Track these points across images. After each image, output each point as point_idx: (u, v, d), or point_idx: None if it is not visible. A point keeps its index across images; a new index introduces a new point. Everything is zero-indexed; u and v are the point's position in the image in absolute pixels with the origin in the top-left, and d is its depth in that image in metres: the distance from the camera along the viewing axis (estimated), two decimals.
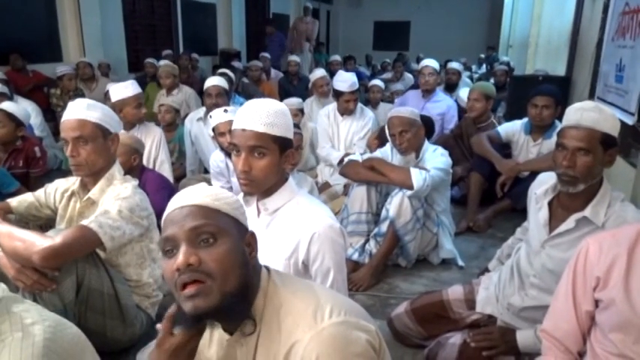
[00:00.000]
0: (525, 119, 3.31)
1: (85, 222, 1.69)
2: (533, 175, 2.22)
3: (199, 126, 3.67)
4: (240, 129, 1.38)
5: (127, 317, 1.82)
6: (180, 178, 3.72)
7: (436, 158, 2.58)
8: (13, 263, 1.58)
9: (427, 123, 2.71)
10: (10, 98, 3.93)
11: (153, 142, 3.21)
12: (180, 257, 0.90)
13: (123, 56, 7.94)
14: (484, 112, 3.67)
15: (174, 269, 0.90)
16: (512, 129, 3.38)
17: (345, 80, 3.64)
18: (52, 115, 5.35)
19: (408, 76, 7.76)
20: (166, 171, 3.22)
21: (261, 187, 1.43)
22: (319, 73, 4.76)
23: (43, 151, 3.43)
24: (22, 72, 5.86)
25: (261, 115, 1.36)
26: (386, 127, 2.77)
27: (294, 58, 7.04)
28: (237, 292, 0.93)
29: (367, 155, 2.80)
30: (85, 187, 1.89)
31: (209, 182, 3.22)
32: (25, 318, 1.08)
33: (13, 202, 1.93)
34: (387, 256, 2.59)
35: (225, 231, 0.95)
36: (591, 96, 3.60)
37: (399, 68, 8.17)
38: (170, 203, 0.99)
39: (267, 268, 1.06)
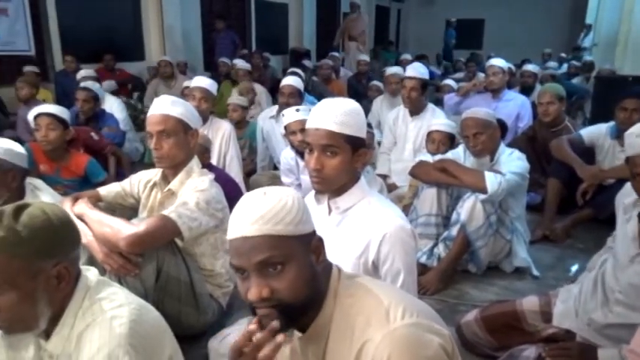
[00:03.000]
0: (611, 123, 3.09)
1: (165, 212, 1.78)
2: (620, 182, 2.07)
3: (271, 123, 3.76)
4: (313, 128, 1.40)
5: (200, 305, 1.91)
6: (251, 173, 3.84)
7: (512, 162, 2.47)
8: (102, 247, 1.70)
9: (500, 127, 2.61)
10: (96, 95, 4.17)
11: (223, 138, 3.32)
12: (253, 292, 0.93)
13: (199, 55, 8.30)
14: (558, 115, 3.46)
15: (247, 297, 0.94)
16: (596, 133, 3.16)
17: (412, 66, 3.62)
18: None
19: (481, 75, 7.48)
20: (235, 166, 3.32)
21: (333, 185, 1.44)
22: (392, 69, 4.72)
23: (99, 132, 3.60)
24: (110, 70, 6.30)
25: (334, 114, 1.37)
26: (459, 127, 2.69)
27: (363, 57, 7.02)
28: (305, 303, 0.96)
29: (438, 157, 2.73)
30: (165, 178, 2.00)
31: (279, 178, 3.29)
32: (113, 300, 1.15)
33: (102, 190, 2.07)
34: (456, 261, 2.52)
35: (290, 256, 0.94)
36: None
37: (471, 68, 7.92)
38: (231, 224, 0.96)
39: (338, 268, 1.07)
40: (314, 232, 1.02)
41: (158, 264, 1.76)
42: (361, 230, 1.44)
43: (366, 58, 6.74)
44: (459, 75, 8.11)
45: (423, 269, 2.53)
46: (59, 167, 2.91)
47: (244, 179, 3.46)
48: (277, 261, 0.93)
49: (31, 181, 2.03)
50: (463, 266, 2.60)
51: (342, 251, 1.44)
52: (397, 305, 0.96)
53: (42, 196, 2.01)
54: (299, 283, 0.94)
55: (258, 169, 3.94)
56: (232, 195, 2.21)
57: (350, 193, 1.46)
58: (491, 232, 2.44)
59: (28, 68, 5.38)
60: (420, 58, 8.51)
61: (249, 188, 3.34)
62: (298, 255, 0.95)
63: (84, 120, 3.84)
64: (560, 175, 3.14)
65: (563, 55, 10.37)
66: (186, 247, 1.91)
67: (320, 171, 1.40)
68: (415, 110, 3.61)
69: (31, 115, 2.90)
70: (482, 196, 2.36)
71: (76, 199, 1.91)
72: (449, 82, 5.07)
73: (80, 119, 3.83)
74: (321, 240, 1.02)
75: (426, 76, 3.58)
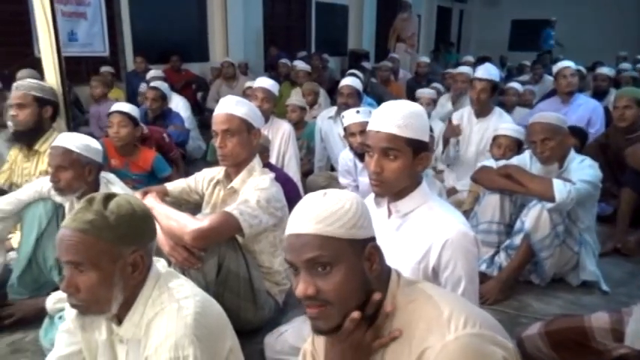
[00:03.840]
0: None
1: (228, 209, 1.84)
2: None
3: (329, 124, 3.78)
4: (374, 130, 1.40)
5: (258, 301, 1.95)
6: (308, 173, 3.87)
7: (584, 170, 2.34)
8: (168, 240, 1.77)
9: (579, 134, 2.48)
10: (162, 92, 4.35)
11: (282, 138, 3.37)
12: (300, 288, 0.96)
13: (260, 56, 8.48)
14: (635, 121, 3.24)
15: (296, 293, 0.97)
16: None
17: (483, 67, 3.52)
18: (199, 110, 5.92)
19: (549, 78, 7.12)
20: (293, 166, 3.36)
21: (392, 189, 1.43)
22: (461, 68, 4.63)
23: (170, 136, 3.75)
24: (176, 71, 6.57)
25: (396, 116, 1.36)
26: (525, 132, 2.59)
27: (424, 59, 6.90)
28: (355, 308, 0.97)
29: (502, 162, 2.64)
30: (228, 176, 2.06)
31: (335, 180, 3.31)
32: (180, 291, 1.21)
33: (169, 186, 2.17)
34: (518, 271, 2.42)
35: (339, 258, 0.95)
36: None
37: (537, 70, 7.56)
38: (290, 222, 0.99)
39: (398, 273, 1.06)
40: (371, 238, 1.01)
41: (220, 259, 1.81)
42: (422, 235, 1.42)
43: (426, 59, 6.62)
44: (524, 78, 7.79)
45: (482, 278, 2.43)
46: (128, 162, 3.07)
47: (301, 179, 3.50)
48: (325, 261, 0.94)
49: (105, 175, 2.15)
50: (525, 277, 2.50)
51: (401, 255, 1.42)
52: (459, 314, 0.94)
53: (114, 190, 2.12)
54: (346, 287, 0.95)
55: (315, 169, 3.97)
56: (291, 195, 2.25)
57: (411, 196, 1.44)
58: (557, 243, 2.32)
59: (104, 68, 5.72)
60: (482, 60, 8.25)
61: (305, 188, 3.39)
62: (348, 259, 0.96)
63: (152, 118, 4.03)
64: (635, 185, 2.96)
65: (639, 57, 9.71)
66: (246, 243, 1.96)
67: (380, 174, 1.40)
68: (481, 112, 3.50)
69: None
70: (549, 205, 2.26)
71: (145, 194, 2.01)
72: (514, 85, 4.88)
73: (149, 117, 4.02)
74: (376, 247, 1.02)
75: (497, 78, 3.48)
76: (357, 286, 0.97)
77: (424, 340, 0.93)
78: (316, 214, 0.96)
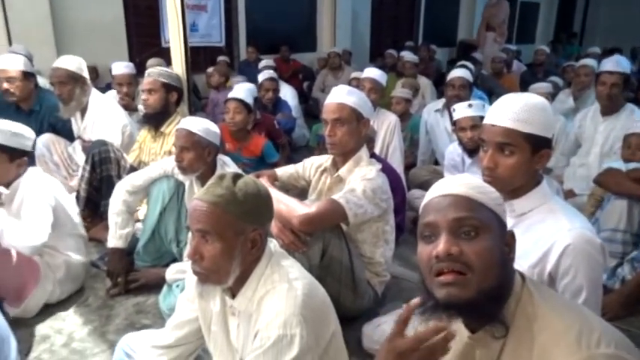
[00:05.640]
0: None
1: (334, 196, 1.87)
2: None
3: (436, 117, 3.67)
4: (489, 124, 1.34)
5: (358, 289, 1.97)
6: (411, 166, 3.81)
7: None
8: (277, 223, 1.85)
9: None
10: (277, 83, 4.55)
11: (387, 129, 3.35)
12: (442, 245, 0.89)
13: (366, 46, 8.47)
14: None
15: (433, 255, 0.90)
16: None
17: (613, 59, 3.17)
18: (304, 99, 6.08)
19: None
20: (397, 158, 3.32)
21: (506, 186, 1.35)
22: (585, 61, 4.25)
23: (279, 123, 3.89)
24: (285, 61, 6.79)
25: (514, 110, 1.29)
26: None
27: (542, 47, 6.40)
28: (493, 291, 0.90)
29: (633, 165, 2.38)
30: (335, 165, 2.09)
31: (439, 174, 3.21)
32: (290, 272, 1.25)
33: (279, 171, 2.26)
34: None
35: (487, 226, 0.91)
36: None
37: None
38: (432, 189, 0.99)
39: (522, 275, 1.00)
40: (507, 226, 0.99)
41: (324, 245, 1.86)
42: (539, 238, 1.33)
43: (545, 48, 6.11)
44: None
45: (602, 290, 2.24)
46: (241, 147, 3.24)
47: (403, 172, 3.45)
48: (474, 224, 0.90)
49: (221, 157, 2.30)
50: None
51: (515, 258, 1.34)
52: (591, 331, 0.86)
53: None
54: (491, 256, 0.89)
55: (418, 162, 3.89)
56: (394, 186, 2.23)
57: (529, 196, 1.36)
58: None
59: (221, 58, 6.08)
60: (610, 52, 7.47)
61: (407, 181, 3.34)
62: (493, 231, 0.92)
63: (271, 108, 4.20)
64: None
65: None
66: (350, 232, 1.98)
67: (493, 170, 1.33)
68: (610, 110, 3.16)
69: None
70: None
71: (257, 177, 2.10)
72: None
73: (268, 108, 4.19)
74: (513, 237, 0.98)
75: (629, 71, 3.13)
76: (498, 262, 0.90)
77: (548, 353, 0.86)
78: (466, 181, 0.96)
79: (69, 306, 2.21)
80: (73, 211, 2.28)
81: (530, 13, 11.46)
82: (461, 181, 0.96)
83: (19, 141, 2.06)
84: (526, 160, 1.31)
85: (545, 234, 1.32)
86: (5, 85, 3.03)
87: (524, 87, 5.84)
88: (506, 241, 0.96)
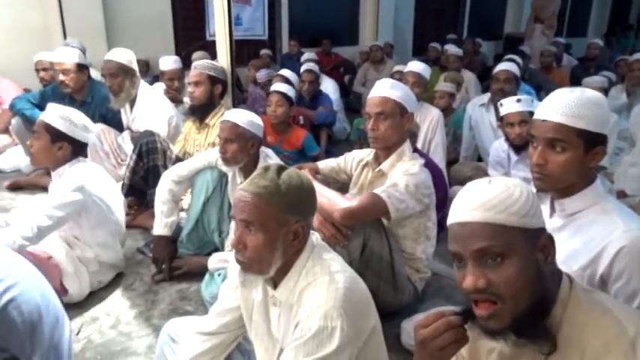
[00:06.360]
0: None
1: (376, 191, 1.86)
2: None
3: (481, 112, 3.58)
4: (540, 119, 1.29)
5: (398, 285, 1.96)
6: (453, 162, 3.73)
7: None
8: (318, 216, 1.85)
9: None
10: (316, 76, 4.55)
11: (430, 124, 3.30)
12: (468, 280, 0.88)
13: (409, 40, 8.35)
14: None
15: (462, 286, 0.90)
16: None
17: None
18: (345, 93, 6.05)
19: None
20: (439, 154, 3.27)
21: (556, 184, 1.30)
22: (638, 55, 4.03)
23: (305, 115, 3.88)
24: (326, 54, 6.79)
25: (567, 104, 1.23)
26: None
27: (595, 40, 6.12)
28: (530, 310, 0.89)
29: None
30: (377, 159, 2.08)
31: (482, 170, 3.14)
32: (331, 265, 1.25)
33: (320, 164, 2.26)
34: None
35: (511, 248, 0.87)
36: None
37: None
38: (453, 211, 0.95)
39: (569, 277, 0.96)
40: (544, 228, 0.94)
41: (364, 239, 1.85)
42: (590, 239, 1.27)
43: (598, 41, 5.83)
44: None
45: None
46: (282, 139, 3.28)
47: (445, 168, 3.39)
48: (497, 251, 0.87)
49: (264, 150, 2.33)
50: None
51: (563, 259, 1.29)
52: None
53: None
54: (520, 281, 0.87)
55: (460, 158, 3.81)
56: (436, 181, 2.19)
57: (581, 195, 1.30)
58: None
59: (264, 51, 6.14)
60: None
61: (449, 177, 3.28)
62: (521, 249, 0.88)
63: (308, 100, 4.21)
64: None
65: None
66: (391, 227, 1.97)
67: (543, 166, 1.28)
68: None
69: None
70: None
71: (299, 169, 2.12)
72: None
73: (305, 100, 4.21)
74: (551, 238, 0.93)
75: None
76: (531, 280, 0.88)
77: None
78: (484, 201, 0.89)
79: (116, 290, 2.31)
80: (117, 205, 2.29)
81: (582, 5, 10.94)
82: (476, 203, 0.90)
83: (66, 125, 2.06)
84: (578, 158, 1.25)
85: (598, 235, 1.26)
86: (61, 77, 3.17)
87: (574, 82, 5.60)
88: (542, 246, 0.91)
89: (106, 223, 2.21)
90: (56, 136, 2.06)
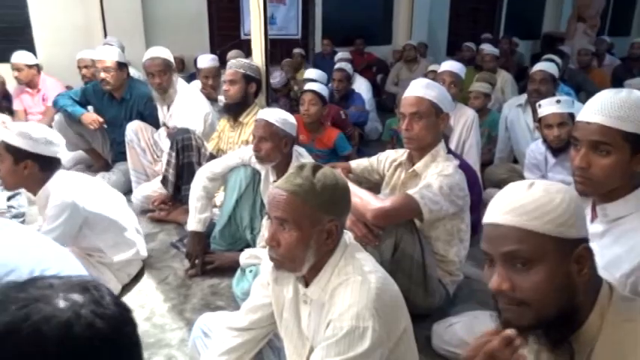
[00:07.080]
0: None
1: (410, 192, 1.84)
2: None
3: (517, 113, 3.50)
4: (584, 121, 1.25)
5: (429, 287, 1.93)
6: (487, 164, 3.66)
7: None
8: (350, 215, 1.84)
9: None
10: (348, 74, 4.53)
11: (465, 125, 3.24)
12: (493, 281, 0.89)
13: (443, 39, 8.23)
14: None
15: (489, 285, 0.91)
16: None
17: None
18: (377, 92, 6.02)
19: None
20: (473, 155, 3.20)
21: (599, 188, 1.27)
22: None
23: (347, 114, 3.87)
24: (359, 53, 6.77)
25: (613, 106, 1.19)
26: None
27: (639, 40, 5.88)
28: (555, 317, 0.88)
29: None
30: (411, 159, 2.06)
31: (517, 173, 3.07)
32: (364, 265, 1.25)
33: (353, 164, 2.26)
34: None
35: (540, 256, 0.86)
36: None
37: None
38: (489, 211, 0.94)
39: (610, 285, 0.94)
40: (583, 239, 0.90)
41: (396, 240, 1.84)
42: (634, 246, 1.23)
43: None
44: None
45: None
46: (314, 138, 3.28)
47: (479, 169, 3.33)
48: (524, 257, 0.87)
49: (297, 148, 2.34)
50: None
51: (604, 266, 1.25)
52: None
53: None
54: (545, 289, 0.86)
55: (495, 160, 3.73)
56: (470, 183, 2.15)
57: (625, 200, 1.26)
58: None
59: (296, 51, 6.17)
60: None
61: (483, 179, 3.22)
62: (551, 258, 0.86)
63: (338, 98, 4.22)
64: None
65: None
66: (423, 228, 1.95)
67: (585, 170, 1.25)
68: None
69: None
70: None
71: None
72: None
73: (335, 98, 4.21)
74: (589, 250, 0.91)
75: None
76: (558, 290, 0.87)
77: None
78: (519, 204, 0.88)
79: (151, 283, 2.37)
80: (115, 204, 2.23)
81: (626, 3, 10.54)
82: (511, 206, 0.89)
83: (26, 142, 1.90)
84: (624, 161, 1.21)
85: None
86: (102, 75, 3.27)
87: (616, 83, 5.41)
88: (577, 257, 0.88)
89: (110, 226, 2.17)
90: (18, 154, 1.91)
